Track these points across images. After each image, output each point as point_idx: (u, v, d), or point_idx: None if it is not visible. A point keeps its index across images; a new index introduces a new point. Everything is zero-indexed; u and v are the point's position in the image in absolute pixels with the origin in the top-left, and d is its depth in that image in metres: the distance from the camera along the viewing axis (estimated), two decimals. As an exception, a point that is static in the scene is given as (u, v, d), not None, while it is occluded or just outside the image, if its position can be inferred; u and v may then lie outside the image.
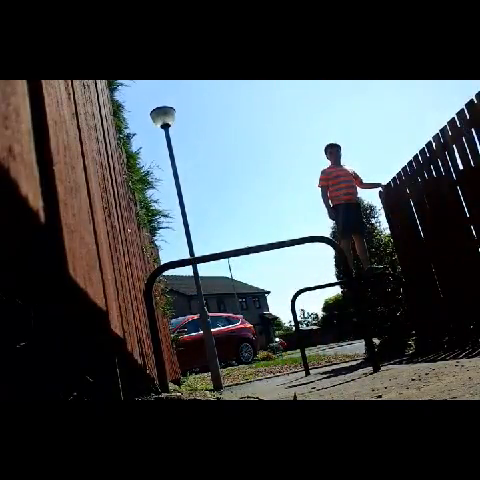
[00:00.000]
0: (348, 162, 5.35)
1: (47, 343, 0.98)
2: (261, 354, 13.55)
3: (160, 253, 5.92)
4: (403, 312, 4.78)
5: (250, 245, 3.25)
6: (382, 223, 6.07)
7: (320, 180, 5.15)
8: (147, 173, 3.91)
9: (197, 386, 5.09)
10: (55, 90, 0.70)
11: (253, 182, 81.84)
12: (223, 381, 5.15)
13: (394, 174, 4.49)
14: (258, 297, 39.41)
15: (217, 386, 4.78)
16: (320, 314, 40.94)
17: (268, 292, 40.64)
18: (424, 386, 1.79)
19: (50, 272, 0.61)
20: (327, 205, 5.09)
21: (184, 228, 5.52)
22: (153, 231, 4.79)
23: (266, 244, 3.20)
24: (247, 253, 3.26)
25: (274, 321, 38.52)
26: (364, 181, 5.23)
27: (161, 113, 5.86)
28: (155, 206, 4.51)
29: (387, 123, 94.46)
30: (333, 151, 5.23)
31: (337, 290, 29.67)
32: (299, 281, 75.06)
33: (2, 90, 0.44)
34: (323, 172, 5.16)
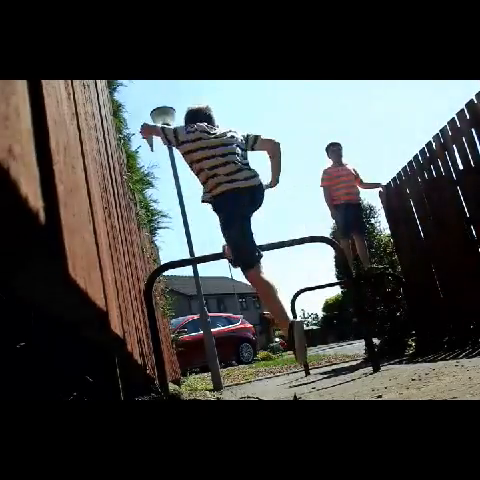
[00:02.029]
0: (350, 161, 5.33)
1: (47, 343, 0.98)
2: (261, 354, 13.55)
3: (160, 253, 5.92)
4: (403, 312, 4.78)
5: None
6: (382, 223, 6.08)
7: (322, 180, 5.15)
8: (147, 173, 3.91)
9: (197, 386, 5.09)
10: (55, 90, 0.70)
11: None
12: (223, 381, 5.15)
13: (394, 174, 4.49)
14: (258, 297, 39.33)
15: (217, 386, 4.78)
16: (320, 314, 40.93)
17: (268, 292, 40.49)
18: (424, 386, 1.79)
19: (50, 272, 0.61)
20: (330, 205, 5.09)
21: (184, 228, 5.52)
22: (153, 231, 4.79)
23: (266, 244, 3.20)
24: (247, 253, 3.25)
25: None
26: (364, 181, 5.23)
27: (161, 113, 5.86)
28: (155, 206, 4.51)
29: (388, 123, 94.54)
30: (334, 150, 5.23)
31: (337, 290, 29.64)
32: (299, 281, 75.06)
33: (2, 90, 0.44)
34: (325, 172, 5.16)
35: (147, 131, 2.87)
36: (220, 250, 3.08)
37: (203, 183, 2.69)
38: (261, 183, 2.70)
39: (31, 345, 0.93)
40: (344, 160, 5.26)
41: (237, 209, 2.59)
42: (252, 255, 2.55)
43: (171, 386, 3.35)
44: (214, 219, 2.88)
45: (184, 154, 2.73)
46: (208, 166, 2.60)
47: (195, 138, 2.67)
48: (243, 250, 2.57)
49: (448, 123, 3.36)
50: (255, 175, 2.67)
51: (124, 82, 3.17)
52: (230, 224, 2.60)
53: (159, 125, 2.90)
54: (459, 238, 3.38)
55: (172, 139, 2.74)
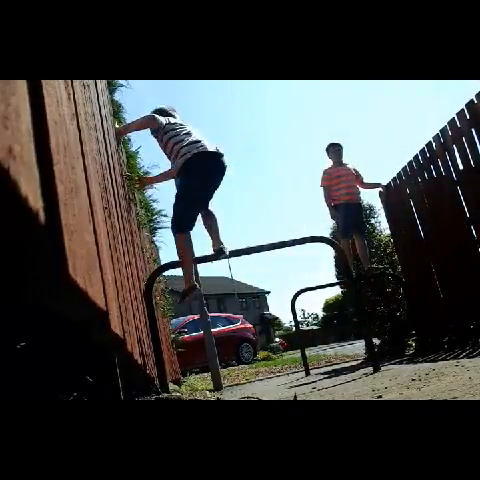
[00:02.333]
0: (350, 161, 5.33)
1: (47, 343, 0.98)
2: (261, 354, 13.54)
3: (160, 253, 5.92)
4: (403, 312, 4.78)
5: (251, 245, 3.26)
6: (382, 223, 6.07)
7: (322, 180, 5.15)
8: (147, 173, 3.90)
9: (197, 386, 5.08)
10: (55, 90, 0.70)
11: (254, 181, 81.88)
12: (223, 381, 5.15)
13: (394, 174, 4.50)
14: (258, 297, 39.37)
15: (217, 386, 4.77)
16: (320, 314, 40.94)
17: (268, 292, 40.61)
18: (424, 386, 1.79)
19: (50, 272, 0.61)
20: (329, 205, 5.09)
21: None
22: (153, 231, 4.79)
23: (267, 244, 3.20)
24: (248, 253, 3.26)
25: (274, 321, 38.46)
26: (365, 181, 5.23)
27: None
28: (155, 206, 4.51)
29: (390, 122, 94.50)
30: (334, 150, 5.23)
31: (337, 290, 29.66)
32: (299, 281, 75.05)
33: (2, 90, 0.44)
34: (325, 172, 5.16)
35: (150, 123, 3.20)
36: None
37: (175, 155, 3.10)
38: (224, 159, 3.17)
39: (31, 345, 0.93)
40: (345, 160, 5.26)
41: (199, 180, 3.06)
42: (187, 224, 3.10)
43: (171, 386, 3.36)
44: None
45: (165, 133, 3.18)
46: (179, 140, 3.11)
47: (171, 122, 3.24)
48: (183, 219, 3.09)
49: (448, 123, 3.36)
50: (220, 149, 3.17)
51: (124, 83, 3.18)
52: (185, 194, 3.08)
53: (159, 118, 3.23)
54: (459, 238, 3.38)
55: (162, 125, 3.19)
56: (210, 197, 3.26)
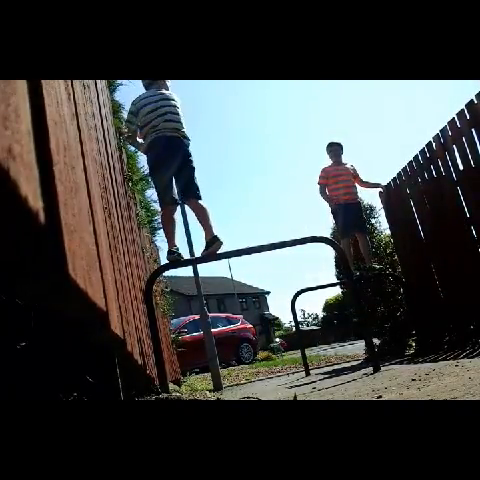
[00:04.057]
0: (350, 160, 5.32)
1: (47, 343, 0.98)
2: (261, 354, 13.53)
3: (160, 253, 5.92)
4: (403, 312, 4.78)
5: (251, 245, 3.25)
6: (382, 223, 6.06)
7: (319, 178, 5.15)
8: (147, 174, 3.90)
9: (197, 386, 5.09)
10: (55, 90, 0.70)
11: (254, 181, 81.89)
12: (223, 381, 5.14)
13: (394, 174, 4.50)
14: (258, 297, 39.38)
15: (217, 386, 4.77)
16: (320, 314, 40.90)
17: (268, 292, 40.59)
18: (424, 386, 1.79)
19: (50, 272, 0.61)
20: (326, 199, 5.08)
21: (184, 228, 5.51)
22: (153, 231, 4.79)
23: (268, 244, 3.20)
24: (248, 253, 3.26)
25: (274, 321, 38.45)
26: (364, 180, 5.23)
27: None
28: (155, 206, 4.51)
29: (390, 122, 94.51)
30: (333, 149, 5.23)
31: (337, 290, 29.64)
32: (299, 281, 75.05)
33: (2, 90, 0.44)
34: (323, 170, 5.16)
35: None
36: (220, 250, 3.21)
37: (145, 133, 3.37)
38: (183, 137, 3.41)
39: (31, 345, 0.93)
40: (344, 159, 5.26)
41: (162, 159, 3.29)
42: (164, 199, 3.33)
43: (171, 386, 3.35)
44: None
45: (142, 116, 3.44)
46: (152, 124, 3.34)
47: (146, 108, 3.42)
48: (161, 193, 3.34)
49: (448, 123, 3.36)
50: (179, 128, 3.40)
51: (124, 82, 3.18)
52: (153, 171, 3.37)
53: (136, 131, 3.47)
54: (459, 238, 3.38)
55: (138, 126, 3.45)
56: (186, 183, 3.34)
